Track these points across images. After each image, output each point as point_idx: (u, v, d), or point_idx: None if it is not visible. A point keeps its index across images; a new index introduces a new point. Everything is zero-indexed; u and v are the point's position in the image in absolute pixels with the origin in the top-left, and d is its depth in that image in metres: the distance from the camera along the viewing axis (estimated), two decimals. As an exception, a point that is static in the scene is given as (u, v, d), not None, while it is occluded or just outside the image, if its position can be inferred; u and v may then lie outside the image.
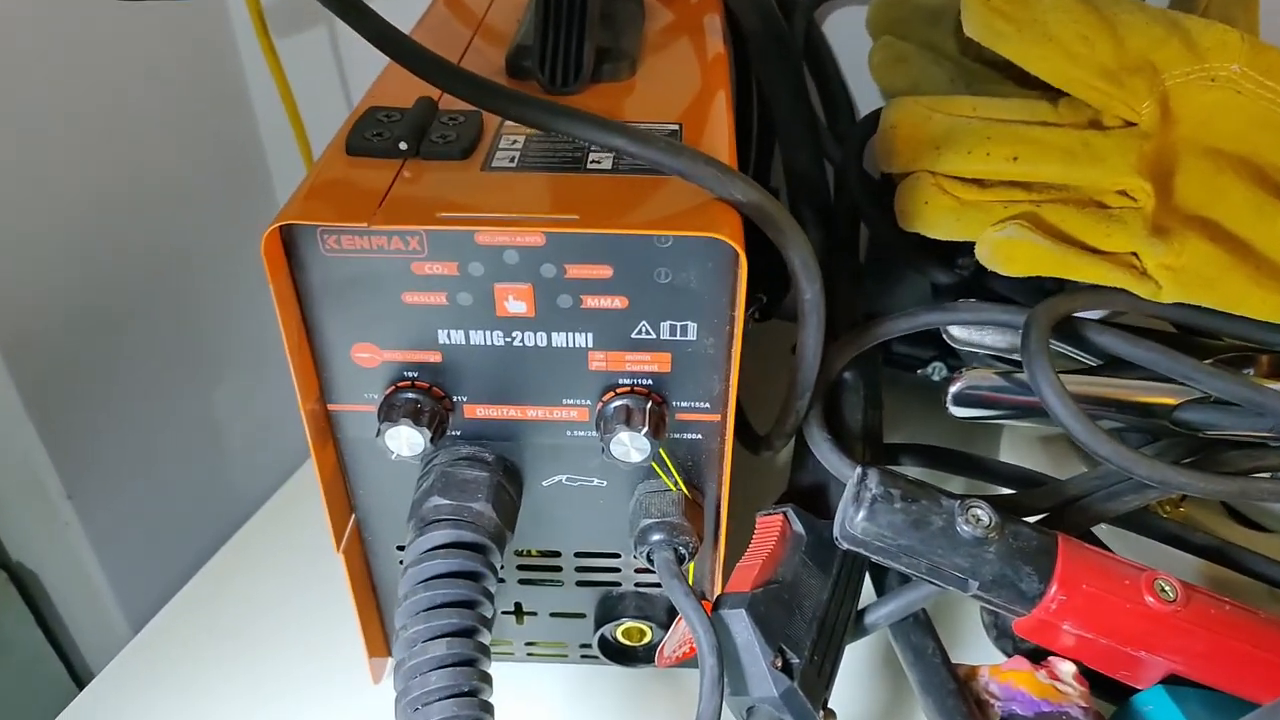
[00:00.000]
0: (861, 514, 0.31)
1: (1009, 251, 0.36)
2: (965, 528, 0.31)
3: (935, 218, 0.37)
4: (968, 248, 0.41)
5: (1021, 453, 0.48)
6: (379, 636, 0.39)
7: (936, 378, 0.52)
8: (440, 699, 0.27)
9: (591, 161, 0.30)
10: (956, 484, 0.46)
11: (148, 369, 0.55)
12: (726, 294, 0.29)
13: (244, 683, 0.41)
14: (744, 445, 0.39)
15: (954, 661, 0.34)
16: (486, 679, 0.28)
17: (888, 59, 0.43)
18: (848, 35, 0.53)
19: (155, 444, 0.56)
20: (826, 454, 0.36)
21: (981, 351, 0.42)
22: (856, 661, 0.40)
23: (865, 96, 0.54)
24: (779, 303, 0.49)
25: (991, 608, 0.32)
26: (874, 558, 0.31)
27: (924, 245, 0.40)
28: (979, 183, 0.37)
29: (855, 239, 0.46)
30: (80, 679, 0.56)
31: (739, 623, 0.31)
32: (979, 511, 0.31)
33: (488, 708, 0.27)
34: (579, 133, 0.27)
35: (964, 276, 0.44)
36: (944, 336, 0.42)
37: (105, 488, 0.53)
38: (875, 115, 0.45)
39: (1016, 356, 0.41)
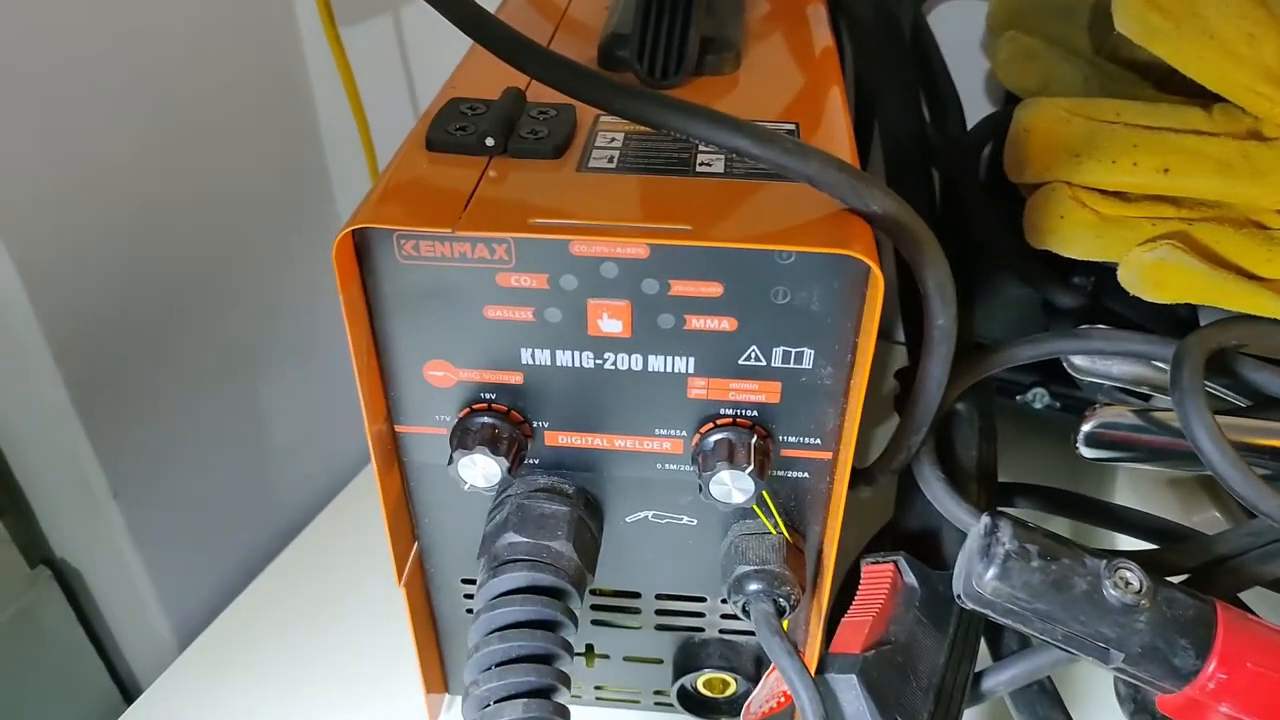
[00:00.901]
0: (992, 572, 0.27)
1: (1160, 276, 0.32)
2: (1113, 592, 0.27)
3: (1073, 234, 0.33)
4: (1083, 266, 0.37)
5: (1143, 495, 0.44)
6: (438, 672, 0.36)
7: (1038, 405, 0.48)
8: (515, 770, 0.24)
9: (701, 164, 0.27)
10: (1059, 526, 0.41)
11: (196, 370, 0.53)
12: (852, 318, 0.25)
13: (292, 711, 0.38)
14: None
15: (1085, 739, 0.30)
16: (566, 747, 0.25)
17: (1016, 54, 0.38)
18: (953, 30, 0.48)
19: (202, 446, 0.54)
20: (941, 496, 0.32)
21: (1105, 383, 0.38)
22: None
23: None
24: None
25: (1134, 682, 0.28)
26: (999, 619, 0.28)
27: (1044, 264, 0.36)
28: (1122, 196, 0.33)
29: (964, 256, 0.42)
30: (120, 679, 0.55)
31: (849, 690, 0.27)
32: (1128, 574, 0.27)
33: (568, 781, 0.24)
34: (693, 130, 0.24)
35: (1086, 301, 0.40)
36: (1064, 364, 0.38)
37: (151, 488, 0.51)
38: (993, 119, 0.41)
39: (1144, 390, 0.37)
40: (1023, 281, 0.39)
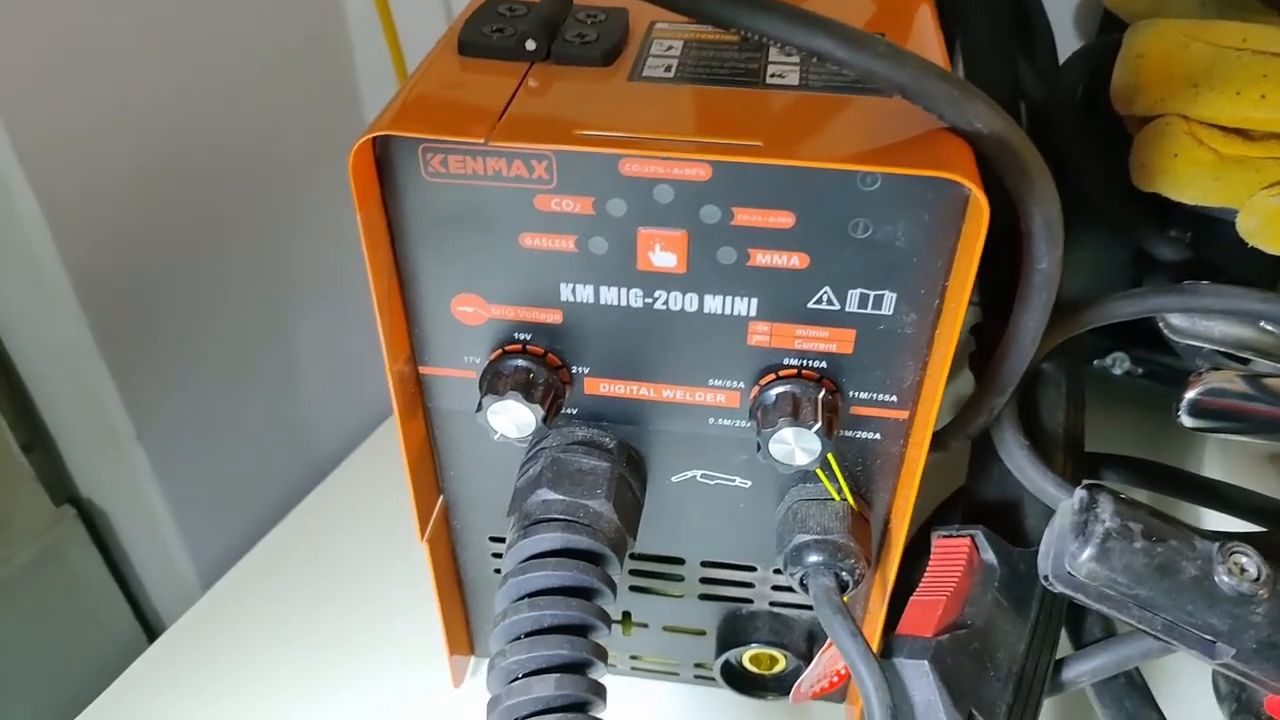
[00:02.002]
0: (1089, 552, 0.24)
1: (1288, 223, 0.28)
2: (1227, 579, 0.23)
3: (1187, 175, 0.29)
4: (1181, 217, 0.33)
5: (1237, 472, 0.40)
6: (462, 634, 0.33)
7: (1117, 371, 0.44)
8: (545, 753, 0.21)
9: (771, 75, 0.23)
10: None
11: (224, 310, 0.51)
12: (943, 256, 0.22)
13: (312, 664, 0.37)
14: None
15: (1179, 740, 0.27)
16: (600, 729, 0.22)
17: (1124, -27, 0.34)
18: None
19: (229, 389, 0.53)
20: (1024, 465, 0.29)
21: (1204, 346, 0.34)
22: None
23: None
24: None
25: (1240, 679, 0.25)
26: (1091, 604, 0.24)
27: (1143, 209, 0.33)
28: (1244, 134, 0.29)
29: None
30: (145, 617, 0.55)
31: (920, 677, 0.24)
32: (1245, 559, 0.24)
33: (602, 767, 0.22)
34: (766, 27, 0.20)
35: (1188, 254, 0.36)
36: (1160, 324, 0.34)
37: (176, 431, 0.50)
38: (1089, 51, 0.37)
39: (1247, 355, 0.33)
40: (1118, 231, 0.36)
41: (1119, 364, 0.44)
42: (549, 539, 0.24)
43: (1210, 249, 0.36)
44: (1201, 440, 0.42)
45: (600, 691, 0.23)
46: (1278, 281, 0.36)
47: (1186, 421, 0.31)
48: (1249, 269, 0.34)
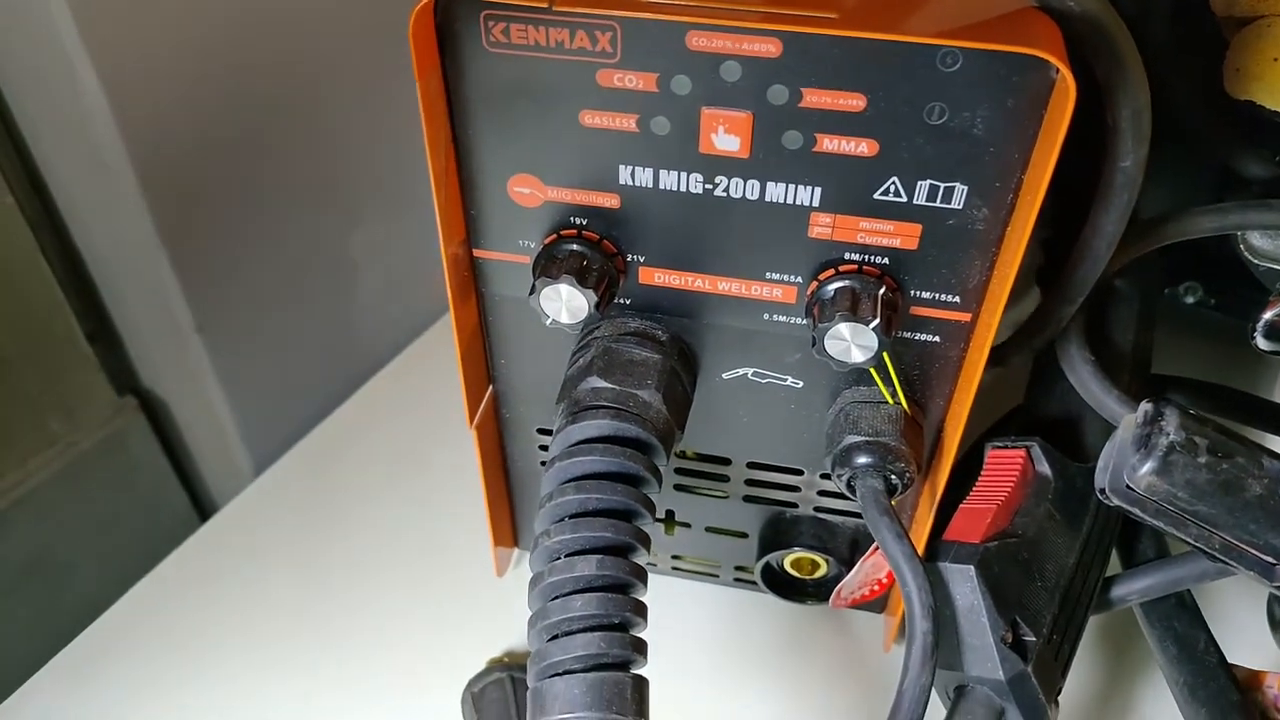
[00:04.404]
0: (1150, 465, 0.23)
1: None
2: (1294, 501, 0.23)
3: (1288, 80, 0.27)
4: (1276, 137, 0.31)
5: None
6: (507, 526, 0.34)
7: (1189, 300, 0.43)
8: (585, 629, 0.21)
9: (850, -52, 0.22)
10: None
11: (283, 211, 0.52)
12: (1022, 147, 0.21)
13: (356, 549, 0.38)
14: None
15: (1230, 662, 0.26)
16: (641, 610, 0.22)
17: None
18: None
19: (286, 288, 0.54)
20: (1087, 380, 0.28)
21: (1283, 270, 0.32)
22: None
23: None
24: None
25: (1298, 605, 0.24)
26: (1147, 520, 0.24)
27: (1235, 124, 0.31)
28: (1354, 37, 0.27)
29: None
30: (201, 505, 0.57)
31: (964, 582, 0.24)
32: (1314, 481, 0.23)
33: (640, 647, 0.22)
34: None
35: (1275, 171, 0.34)
36: (1239, 247, 0.32)
37: (234, 326, 0.51)
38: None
39: (1333, 282, 0.32)
40: (1205, 146, 0.34)
41: (1192, 293, 0.42)
42: (597, 425, 0.24)
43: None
44: (1271, 375, 0.41)
45: (642, 575, 0.23)
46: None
47: (1262, 344, 0.30)
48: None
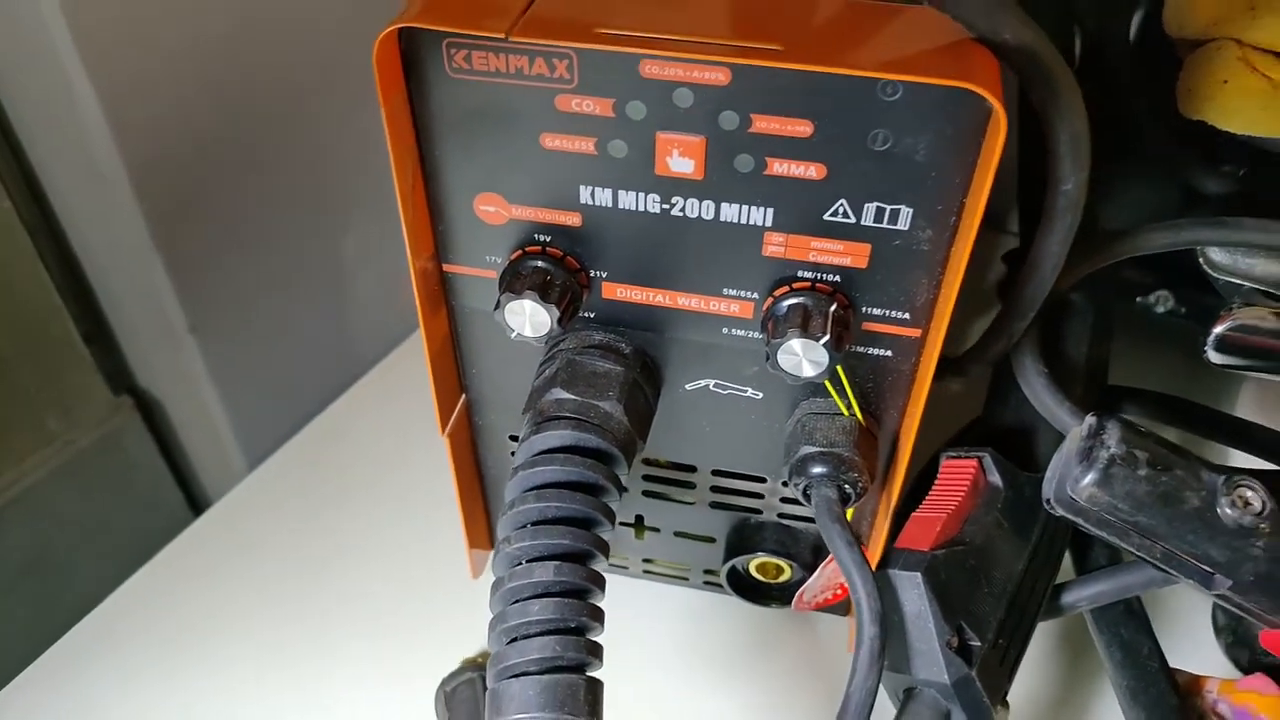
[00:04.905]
0: (1091, 477, 0.24)
1: (1337, 156, 0.27)
2: (1229, 512, 0.24)
3: (1236, 103, 0.28)
4: (1236, 152, 0.31)
5: (1270, 417, 0.39)
6: (482, 528, 0.35)
7: (1160, 309, 0.43)
8: (541, 633, 0.22)
9: (799, -21, 0.23)
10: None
11: (276, 215, 0.52)
12: (962, 172, 0.22)
13: (342, 544, 0.39)
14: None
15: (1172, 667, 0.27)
16: (597, 615, 0.23)
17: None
18: None
19: (280, 287, 0.54)
20: (1039, 392, 0.28)
21: (1245, 284, 0.33)
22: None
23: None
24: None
25: (1237, 611, 0.25)
26: (1091, 530, 0.25)
27: (1191, 141, 0.31)
28: (1303, 61, 0.28)
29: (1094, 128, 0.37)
30: (196, 502, 0.58)
31: (911, 588, 0.25)
32: (1250, 492, 0.24)
33: (595, 650, 0.23)
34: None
35: (1235, 188, 0.35)
36: (1199, 260, 0.33)
37: (227, 328, 0.52)
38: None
39: (1290, 295, 0.32)
40: (1167, 167, 0.34)
41: (1163, 303, 0.43)
42: (559, 435, 0.25)
43: (1264, 187, 0.34)
44: (1238, 384, 0.41)
45: (599, 581, 0.24)
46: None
47: (1214, 358, 0.30)
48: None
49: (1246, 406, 0.40)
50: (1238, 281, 0.33)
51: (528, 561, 0.23)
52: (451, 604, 0.36)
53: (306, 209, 0.55)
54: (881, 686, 0.25)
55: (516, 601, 0.23)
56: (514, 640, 0.22)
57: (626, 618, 0.34)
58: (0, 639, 0.41)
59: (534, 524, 0.24)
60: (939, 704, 0.24)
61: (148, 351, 0.52)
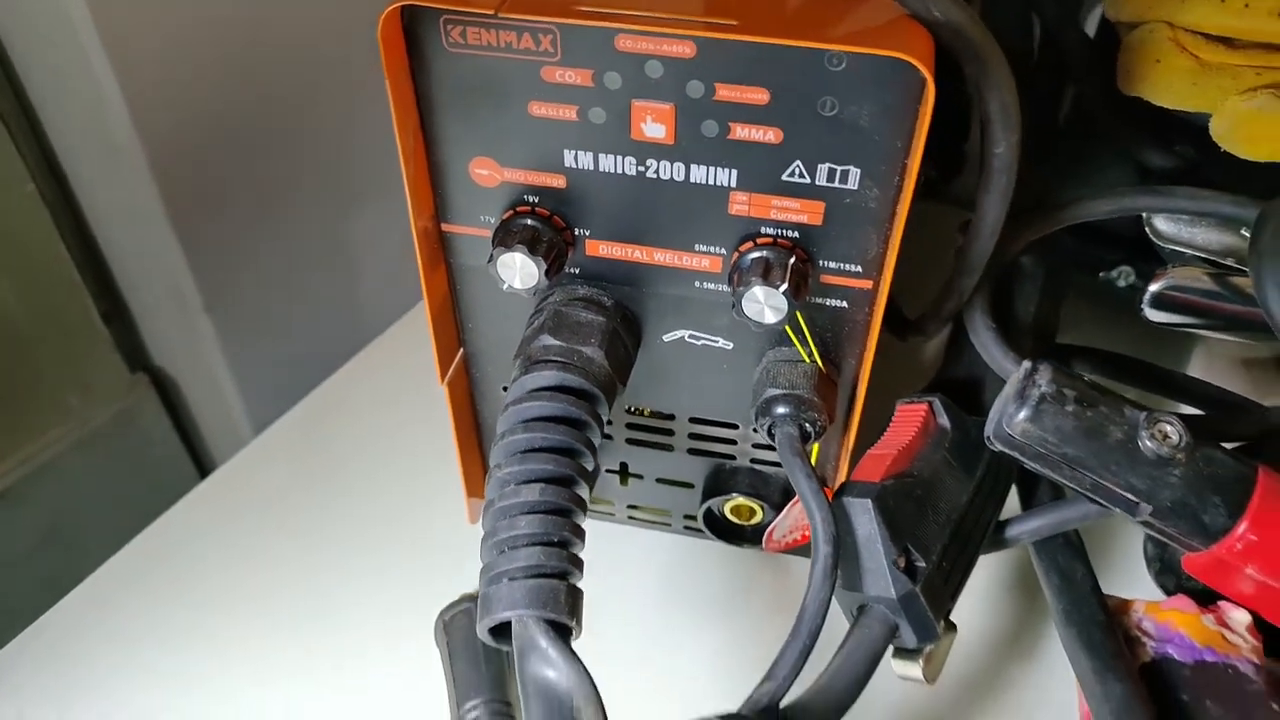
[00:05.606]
0: (1024, 413, 0.26)
1: (1254, 129, 0.29)
2: (1149, 444, 0.26)
3: (1166, 80, 0.30)
4: (1190, 131, 0.34)
5: (1217, 375, 0.42)
6: (479, 477, 0.37)
7: (1123, 283, 0.46)
8: (528, 544, 0.25)
9: (760, -36, 0.26)
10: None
11: (289, 192, 0.54)
12: (903, 136, 0.24)
13: (345, 504, 0.41)
14: (889, 330, 0.35)
15: (1104, 593, 0.30)
16: (579, 532, 0.26)
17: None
18: None
19: (292, 267, 0.56)
20: (987, 344, 0.31)
21: (1188, 252, 0.36)
22: (985, 578, 0.37)
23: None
24: (949, 181, 0.44)
25: (1161, 538, 0.27)
26: (1029, 464, 0.27)
27: (1140, 121, 0.34)
28: (1227, 42, 0.30)
29: (1054, 109, 0.40)
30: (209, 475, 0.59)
31: (862, 513, 0.27)
32: (1168, 427, 0.26)
33: (576, 562, 0.25)
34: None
35: (1181, 164, 0.37)
36: (1146, 230, 0.36)
37: (242, 305, 0.54)
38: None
39: (1230, 262, 0.35)
40: (1119, 144, 0.37)
41: (1124, 277, 0.46)
42: (545, 376, 0.27)
43: (1209, 164, 0.37)
44: (1189, 348, 0.44)
45: (580, 504, 0.26)
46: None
47: (1150, 314, 0.33)
48: (1251, 185, 0.36)
49: (1196, 369, 0.43)
50: (1181, 249, 0.35)
51: (516, 484, 0.26)
52: (448, 550, 0.38)
53: (318, 192, 0.57)
54: (838, 604, 0.27)
55: (505, 518, 0.25)
56: (502, 551, 0.25)
57: (613, 562, 0.37)
58: (20, 605, 0.43)
59: (522, 452, 0.26)
60: (888, 618, 0.27)
61: (164, 330, 0.54)
